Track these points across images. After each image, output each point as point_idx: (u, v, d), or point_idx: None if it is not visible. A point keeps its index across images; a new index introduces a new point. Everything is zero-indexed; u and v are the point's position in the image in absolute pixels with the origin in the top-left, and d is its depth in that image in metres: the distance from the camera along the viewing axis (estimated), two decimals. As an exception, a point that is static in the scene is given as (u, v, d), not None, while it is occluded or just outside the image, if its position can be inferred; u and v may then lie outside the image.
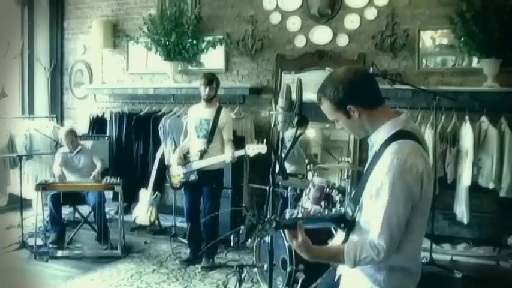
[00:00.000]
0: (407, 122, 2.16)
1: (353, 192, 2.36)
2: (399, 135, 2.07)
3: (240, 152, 5.40)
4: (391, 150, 2.03)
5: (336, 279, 2.47)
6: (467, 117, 6.08)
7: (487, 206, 6.28)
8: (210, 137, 5.60)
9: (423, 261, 5.62)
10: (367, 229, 2.12)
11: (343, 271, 2.39)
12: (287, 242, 4.56)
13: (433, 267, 5.64)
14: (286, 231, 2.17)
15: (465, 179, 6.01)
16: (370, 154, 2.25)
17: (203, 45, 7.58)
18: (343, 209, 2.34)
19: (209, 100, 5.62)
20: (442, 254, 6.05)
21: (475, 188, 6.08)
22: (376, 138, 2.15)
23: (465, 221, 6.07)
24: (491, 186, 6.00)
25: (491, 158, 5.98)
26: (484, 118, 6.07)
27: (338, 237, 2.38)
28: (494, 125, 6.00)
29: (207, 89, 5.56)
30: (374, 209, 2.06)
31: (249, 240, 2.21)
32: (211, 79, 5.59)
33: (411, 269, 2.21)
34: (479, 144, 6.04)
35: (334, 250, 2.19)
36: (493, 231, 6.24)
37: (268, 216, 2.21)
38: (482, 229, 6.32)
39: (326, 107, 2.19)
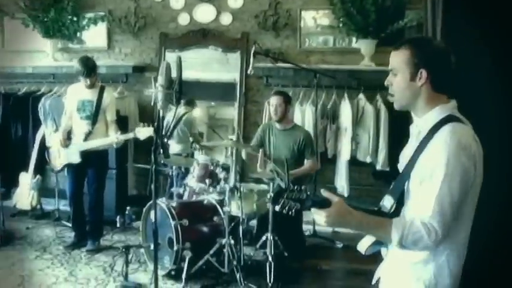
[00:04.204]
0: (455, 108, 2.06)
1: (391, 185, 2.15)
2: (449, 119, 1.98)
3: (129, 135, 5.26)
4: (446, 130, 1.93)
5: (373, 283, 2.30)
6: (346, 95, 6.37)
7: (365, 179, 6.62)
8: (94, 118, 5.44)
9: (306, 233, 5.86)
10: None
11: (383, 272, 2.24)
12: (173, 220, 4.58)
13: (315, 239, 5.91)
14: (317, 209, 1.96)
15: (344, 154, 6.33)
16: (414, 143, 2.08)
17: (84, 22, 7.34)
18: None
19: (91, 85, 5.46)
20: (325, 226, 6.28)
21: (353, 162, 6.39)
22: (425, 122, 2.03)
23: (345, 193, 6.37)
24: (368, 160, 6.34)
25: (368, 134, 6.32)
26: (361, 95, 6.39)
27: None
28: (370, 102, 6.34)
29: (88, 80, 5.38)
30: (426, 190, 1.93)
31: (276, 208, 2.01)
32: (90, 69, 5.36)
33: (458, 267, 2.04)
34: (357, 120, 6.35)
35: (380, 219, 1.99)
36: (370, 202, 6.56)
37: (301, 187, 1.98)
38: (360, 201, 6.64)
39: (401, 55, 2.04)
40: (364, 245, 2.12)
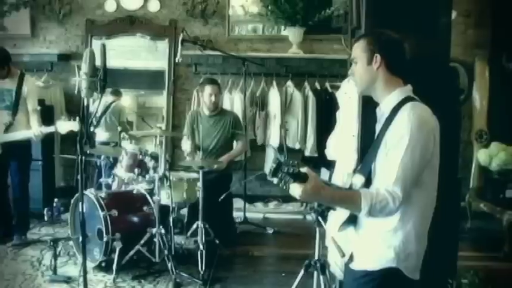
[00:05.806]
0: (411, 92, 2.25)
1: (359, 164, 2.31)
2: (408, 99, 2.17)
3: (50, 129, 5.11)
4: (407, 108, 2.12)
5: (346, 260, 2.40)
6: (274, 82, 6.47)
7: (295, 165, 6.72)
8: (14, 108, 5.26)
9: (237, 220, 5.91)
10: None
11: (354, 247, 2.33)
12: (102, 211, 4.51)
13: (247, 225, 5.96)
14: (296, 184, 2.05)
15: (274, 141, 6.40)
16: (378, 126, 2.27)
17: (5, 8, 7.06)
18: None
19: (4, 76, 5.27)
20: (255, 212, 6.40)
21: (283, 149, 6.46)
22: (386, 104, 2.22)
23: (275, 180, 6.43)
24: (297, 146, 6.46)
25: (296, 121, 6.43)
26: (289, 83, 6.50)
27: (341, 212, 2.30)
28: (299, 90, 6.44)
29: None
30: (389, 159, 2.10)
31: (275, 180, 2.06)
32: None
33: (424, 234, 2.23)
34: (286, 107, 6.45)
35: (350, 192, 2.18)
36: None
37: (295, 162, 2.04)
38: (290, 187, 6.74)
39: (360, 45, 2.26)
40: (340, 217, 2.29)
